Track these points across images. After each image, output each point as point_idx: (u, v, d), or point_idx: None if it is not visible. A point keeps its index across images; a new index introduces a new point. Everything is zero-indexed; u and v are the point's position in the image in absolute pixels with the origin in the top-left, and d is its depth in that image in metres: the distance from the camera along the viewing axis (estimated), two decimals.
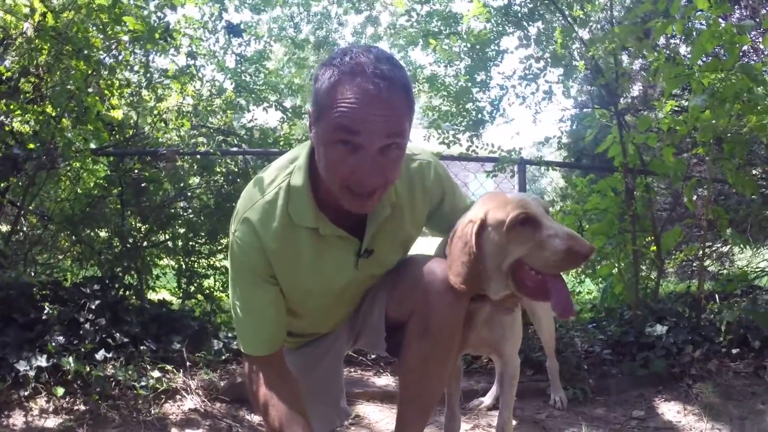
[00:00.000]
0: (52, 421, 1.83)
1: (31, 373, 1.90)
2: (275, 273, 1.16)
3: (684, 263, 3.26)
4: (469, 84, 3.14)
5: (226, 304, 2.76)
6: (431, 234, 1.41)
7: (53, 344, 1.99)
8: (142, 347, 2.12)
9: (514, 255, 1.16)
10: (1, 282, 2.12)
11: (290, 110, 3.33)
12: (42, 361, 1.93)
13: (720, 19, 2.23)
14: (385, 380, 2.29)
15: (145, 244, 2.77)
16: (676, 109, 2.87)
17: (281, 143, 3.09)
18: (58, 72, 2.30)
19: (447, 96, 3.30)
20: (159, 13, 2.45)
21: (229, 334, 2.35)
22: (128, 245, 2.67)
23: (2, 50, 2.38)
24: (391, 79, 1.01)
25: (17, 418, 1.83)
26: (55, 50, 2.21)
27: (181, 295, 2.82)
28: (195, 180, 2.96)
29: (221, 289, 2.87)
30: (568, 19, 2.72)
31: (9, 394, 1.87)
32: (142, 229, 2.79)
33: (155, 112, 2.88)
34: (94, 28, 2.24)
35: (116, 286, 2.50)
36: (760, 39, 3.27)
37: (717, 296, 2.76)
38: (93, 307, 2.19)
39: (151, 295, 2.81)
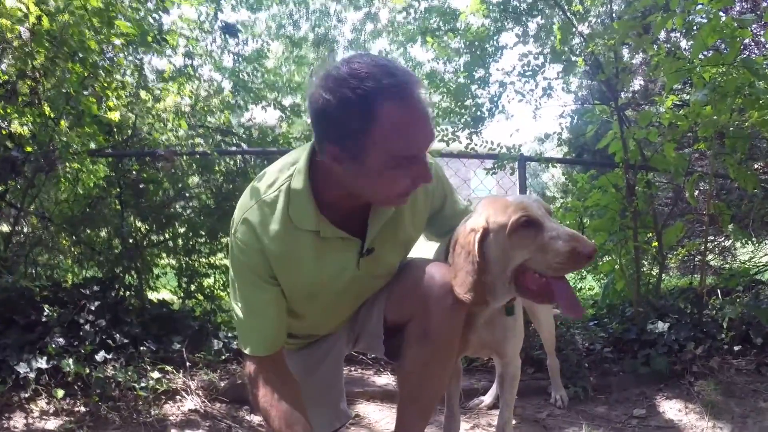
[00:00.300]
0: (52, 423, 1.83)
1: (32, 375, 1.91)
2: (276, 274, 1.16)
3: (686, 258, 3.25)
4: (468, 81, 3.11)
5: (226, 303, 2.76)
6: (428, 239, 1.41)
7: (53, 346, 2.00)
8: (142, 348, 2.13)
9: (518, 259, 1.15)
10: (1, 285, 2.12)
11: (289, 109, 3.32)
12: (42, 363, 1.94)
13: (721, 13, 2.21)
14: (385, 379, 2.28)
15: (145, 243, 2.77)
16: (678, 103, 2.85)
17: (280, 142, 3.08)
18: (56, 75, 2.30)
19: (446, 93, 3.28)
20: (155, 15, 2.44)
21: (229, 334, 2.36)
22: (128, 245, 2.67)
23: None
24: (416, 83, 1.00)
25: (18, 420, 1.84)
26: (52, 53, 2.20)
27: (181, 294, 2.83)
28: (194, 179, 2.96)
29: (222, 288, 2.87)
30: (568, 14, 2.69)
31: (10, 396, 1.88)
32: (142, 229, 2.79)
33: (153, 112, 2.88)
34: (90, 31, 2.23)
35: (116, 286, 2.50)
36: (762, 32, 3.24)
37: (719, 292, 2.74)
38: (93, 308, 2.20)
39: (152, 295, 2.82)
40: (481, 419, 1.97)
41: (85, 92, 2.32)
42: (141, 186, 2.67)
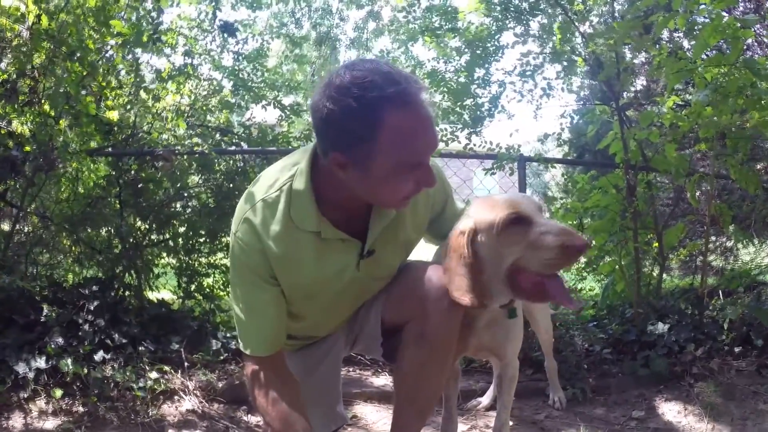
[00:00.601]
0: (51, 423, 1.84)
1: (31, 375, 1.91)
2: (276, 274, 1.16)
3: (687, 259, 3.23)
4: (468, 80, 3.10)
5: (225, 303, 2.76)
6: (428, 241, 1.41)
7: (52, 346, 2.00)
8: (140, 348, 2.13)
9: (510, 257, 1.14)
10: (0, 285, 2.13)
11: (289, 108, 3.31)
12: (41, 363, 1.94)
13: (723, 13, 2.20)
14: (383, 380, 2.28)
15: (144, 243, 2.77)
16: (679, 104, 2.83)
17: (280, 141, 3.07)
18: (56, 74, 2.29)
19: (447, 92, 3.27)
20: (152, 14, 2.43)
21: (228, 334, 2.36)
22: (128, 245, 2.67)
23: None
24: (419, 88, 1.01)
25: (16, 420, 1.84)
26: (51, 52, 2.20)
27: (181, 294, 2.83)
28: (194, 179, 2.96)
29: (221, 287, 2.87)
30: (569, 13, 2.67)
31: (8, 396, 1.88)
32: (142, 229, 2.79)
33: (152, 111, 2.88)
34: (87, 30, 2.22)
35: (116, 286, 2.50)
36: (764, 33, 3.22)
37: (720, 293, 2.73)
38: (92, 308, 2.19)
39: (152, 295, 2.82)
40: (478, 420, 1.96)
41: (83, 92, 2.32)
42: (140, 185, 2.67)
